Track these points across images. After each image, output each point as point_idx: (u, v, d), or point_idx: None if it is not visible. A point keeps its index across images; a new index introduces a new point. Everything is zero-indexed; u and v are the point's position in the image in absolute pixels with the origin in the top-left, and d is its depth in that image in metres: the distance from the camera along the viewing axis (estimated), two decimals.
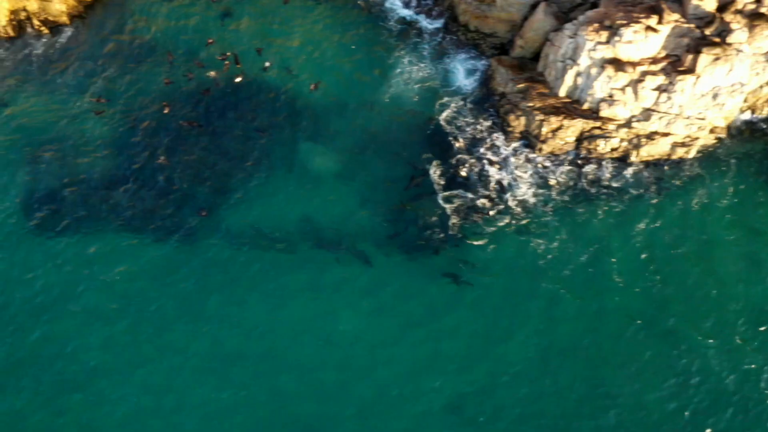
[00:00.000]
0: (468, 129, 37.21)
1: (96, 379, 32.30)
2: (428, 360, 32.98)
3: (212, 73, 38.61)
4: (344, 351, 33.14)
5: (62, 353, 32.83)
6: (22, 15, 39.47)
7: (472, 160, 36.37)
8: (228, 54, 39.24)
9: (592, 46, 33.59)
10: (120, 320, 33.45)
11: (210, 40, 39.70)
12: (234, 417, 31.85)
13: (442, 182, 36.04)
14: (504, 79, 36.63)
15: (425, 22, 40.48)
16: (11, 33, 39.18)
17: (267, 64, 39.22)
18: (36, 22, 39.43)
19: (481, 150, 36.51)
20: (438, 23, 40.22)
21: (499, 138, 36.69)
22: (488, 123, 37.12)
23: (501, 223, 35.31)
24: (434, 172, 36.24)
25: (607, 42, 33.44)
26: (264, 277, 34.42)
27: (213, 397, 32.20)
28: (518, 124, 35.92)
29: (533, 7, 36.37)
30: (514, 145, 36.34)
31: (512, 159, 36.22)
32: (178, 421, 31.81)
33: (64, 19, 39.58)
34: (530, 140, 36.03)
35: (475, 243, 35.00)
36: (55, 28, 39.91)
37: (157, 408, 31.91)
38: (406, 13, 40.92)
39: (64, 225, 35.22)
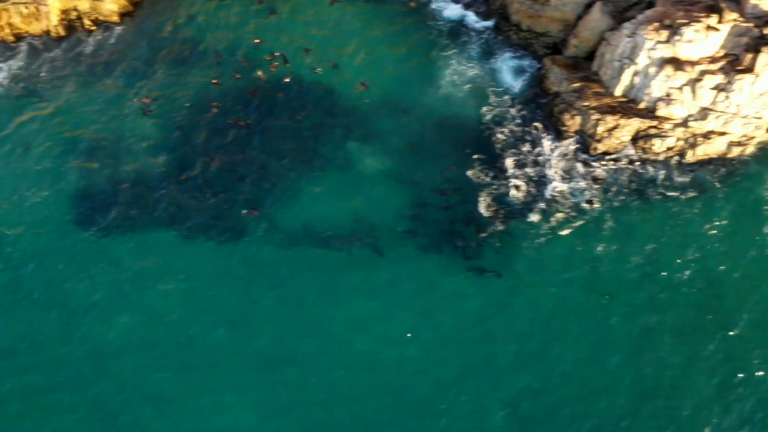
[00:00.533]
0: (517, 129, 37.11)
1: (150, 380, 32.27)
2: (482, 360, 32.89)
3: (260, 73, 38.60)
4: (398, 351, 33.04)
5: (113, 352, 32.76)
6: (73, 15, 39.51)
7: (523, 160, 36.32)
8: (276, 54, 39.23)
9: (652, 45, 33.54)
10: (172, 321, 33.39)
11: (257, 41, 39.72)
12: (289, 416, 31.80)
13: (492, 182, 35.98)
14: (558, 78, 36.58)
15: (473, 21, 40.48)
16: (62, 32, 39.19)
17: (331, 64, 39.13)
18: (87, 22, 39.47)
19: (532, 149, 36.49)
20: (487, 22, 40.21)
21: (550, 137, 36.66)
22: (538, 123, 37.00)
23: (553, 224, 35.19)
24: (484, 172, 36.26)
25: (667, 41, 33.39)
26: (316, 277, 34.32)
27: (269, 397, 32.14)
28: (573, 123, 35.84)
29: (588, 6, 36.37)
30: (567, 144, 36.32)
31: (564, 158, 36.20)
32: (234, 423, 31.73)
33: (115, 18, 39.66)
34: (584, 140, 35.95)
35: (528, 244, 34.91)
36: (104, 26, 39.95)
37: (214, 407, 31.86)
38: (455, 12, 40.89)
39: (115, 225, 35.20)
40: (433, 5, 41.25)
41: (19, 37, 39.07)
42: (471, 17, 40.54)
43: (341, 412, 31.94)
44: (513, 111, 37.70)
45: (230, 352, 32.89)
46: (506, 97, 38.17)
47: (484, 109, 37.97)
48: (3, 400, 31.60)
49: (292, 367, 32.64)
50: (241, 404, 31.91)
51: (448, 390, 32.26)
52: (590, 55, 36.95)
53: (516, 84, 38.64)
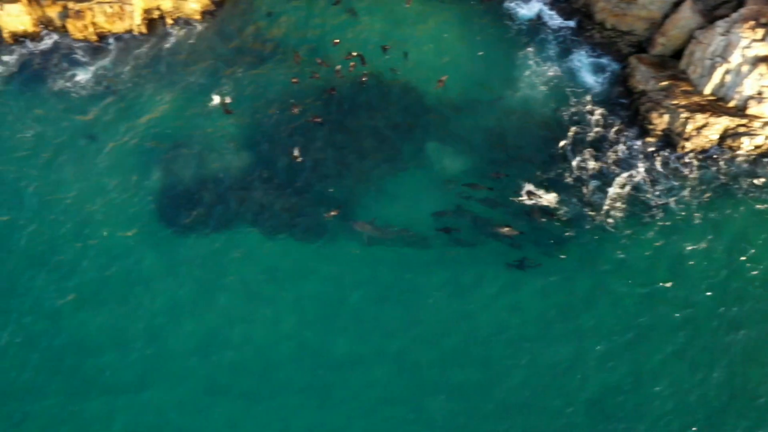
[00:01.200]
0: (600, 128, 37.02)
1: (239, 381, 32.32)
2: (569, 357, 32.80)
3: (338, 73, 38.66)
4: (485, 349, 33.00)
5: (201, 351, 32.83)
6: (155, 13, 39.79)
7: (606, 159, 36.26)
8: (354, 54, 39.30)
9: (747, 43, 33.38)
10: (256, 320, 33.45)
11: (336, 41, 39.79)
12: (376, 415, 31.79)
13: (576, 182, 35.88)
14: (645, 77, 36.42)
15: (552, 20, 40.45)
16: (144, 31, 39.44)
17: (408, 62, 39.05)
18: (169, 21, 39.75)
19: (616, 148, 36.39)
20: (567, 21, 40.18)
21: (635, 136, 36.57)
22: (622, 121, 36.97)
23: (638, 222, 35.08)
24: (566, 171, 36.15)
25: (763, 39, 33.21)
26: (400, 276, 34.32)
27: (356, 396, 32.16)
28: (660, 122, 35.67)
29: (676, 5, 36.23)
30: (652, 142, 36.16)
31: (650, 157, 36.06)
32: (322, 421, 31.80)
33: (197, 16, 39.87)
34: (672, 138, 35.79)
35: (613, 242, 34.77)
36: (186, 25, 40.15)
37: (301, 406, 31.89)
38: (533, 10, 40.89)
39: (198, 224, 35.31)
40: (511, 3, 41.28)
41: (101, 36, 39.32)
42: (550, 15, 40.50)
43: (427, 410, 31.91)
44: (594, 110, 37.59)
45: (313, 351, 32.94)
46: (587, 96, 38.10)
47: (564, 107, 37.96)
48: (89, 399, 31.79)
49: (377, 367, 32.63)
50: (328, 402, 31.94)
51: (534, 387, 32.19)
52: (676, 54, 36.85)
53: (596, 83, 38.56)
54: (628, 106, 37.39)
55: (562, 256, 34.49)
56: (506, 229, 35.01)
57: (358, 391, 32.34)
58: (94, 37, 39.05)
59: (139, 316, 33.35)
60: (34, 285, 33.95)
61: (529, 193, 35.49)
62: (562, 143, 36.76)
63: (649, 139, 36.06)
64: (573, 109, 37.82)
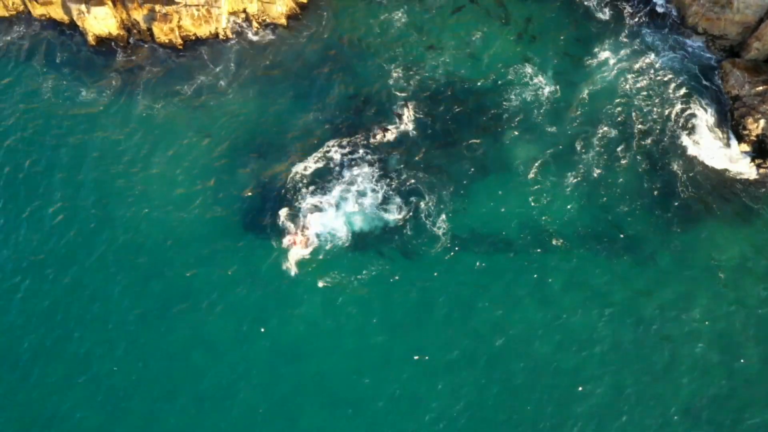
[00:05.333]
0: (692, 131, 36.77)
1: (328, 385, 32.50)
2: (664, 364, 32.59)
3: (416, 78, 38.60)
4: (576, 355, 32.84)
5: (284, 357, 33.03)
6: (241, 17, 39.78)
7: (695, 162, 35.97)
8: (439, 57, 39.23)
9: None
10: (343, 328, 33.49)
11: (429, 46, 39.61)
12: (463, 419, 31.76)
13: (666, 186, 35.63)
14: (739, 81, 36.07)
15: (640, 21, 40.09)
16: (229, 35, 39.46)
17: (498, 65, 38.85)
18: (255, 24, 39.70)
19: (706, 151, 36.11)
20: (657, 23, 39.80)
21: (728, 140, 36.26)
22: (715, 126, 36.64)
23: (732, 225, 34.80)
24: (656, 174, 35.88)
25: None
26: (488, 282, 34.19)
27: (446, 403, 32.09)
28: (755, 127, 35.33)
29: None
30: (745, 146, 35.87)
31: (740, 160, 35.80)
32: (412, 427, 31.86)
33: (282, 20, 39.81)
34: (767, 144, 35.51)
35: (702, 247, 34.45)
36: (271, 29, 40.04)
37: (390, 411, 31.98)
38: (624, 9, 40.37)
39: (277, 231, 35.34)
40: (598, 3, 40.87)
41: (185, 40, 39.40)
42: (636, 18, 40.12)
43: (517, 414, 31.87)
44: (685, 112, 37.28)
45: (400, 356, 32.91)
46: (676, 97, 37.72)
47: (653, 109, 37.58)
48: (182, 409, 32.07)
49: (465, 372, 32.57)
50: (421, 407, 31.93)
51: (626, 395, 32.05)
52: None
53: (687, 85, 38.07)
54: (721, 111, 37.18)
55: (652, 263, 34.19)
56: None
57: (448, 398, 32.28)
58: (179, 40, 39.08)
59: (223, 324, 33.52)
60: (121, 291, 34.24)
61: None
62: (652, 144, 36.51)
63: (744, 143, 35.75)
64: (663, 109, 37.39)
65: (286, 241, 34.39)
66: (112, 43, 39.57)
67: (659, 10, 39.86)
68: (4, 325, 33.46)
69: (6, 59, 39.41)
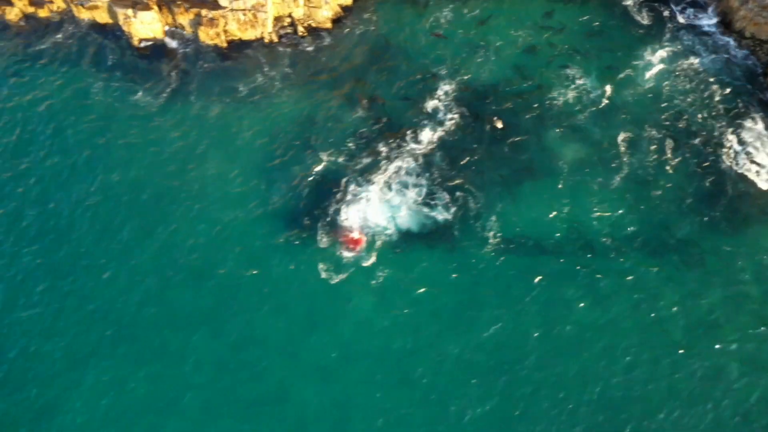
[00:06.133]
0: (736, 133, 36.79)
1: (376, 390, 32.54)
2: (715, 365, 32.47)
3: (458, 82, 38.84)
4: (626, 358, 32.75)
5: (333, 362, 32.98)
6: (286, 21, 39.99)
7: (745, 162, 36.04)
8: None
9: None
10: (394, 328, 33.55)
11: (474, 46, 39.85)
12: (513, 419, 31.82)
13: (712, 187, 35.70)
14: None
15: (681, 25, 40.25)
16: (275, 39, 39.68)
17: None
18: (300, 29, 39.96)
19: (755, 152, 36.18)
20: (703, 25, 39.93)
21: None
22: (761, 128, 36.66)
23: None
24: (710, 177, 35.96)
25: None
26: (538, 284, 34.21)
27: (495, 401, 32.13)
28: None
29: None
30: None
31: None
32: (462, 427, 31.85)
33: (328, 24, 40.08)
34: None
35: (746, 248, 34.45)
36: (316, 33, 40.33)
37: (442, 417, 32.08)
38: (666, 12, 40.51)
39: (325, 230, 35.55)
40: (645, 4, 40.92)
41: (230, 43, 39.62)
42: (684, 18, 40.18)
43: (569, 415, 31.91)
44: (730, 113, 37.31)
45: (453, 360, 32.91)
46: (722, 100, 37.77)
47: (698, 111, 37.61)
48: (234, 410, 32.09)
49: (515, 372, 32.54)
50: (470, 406, 31.94)
51: (678, 397, 32.05)
52: None
53: (732, 87, 38.10)
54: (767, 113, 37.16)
55: (698, 267, 34.16)
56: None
57: (498, 397, 32.28)
58: (224, 44, 39.37)
59: (277, 327, 33.65)
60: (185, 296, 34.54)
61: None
62: (694, 143, 36.62)
63: None
64: (711, 112, 37.44)
65: (337, 238, 34.64)
66: (158, 46, 39.87)
67: (702, 15, 39.87)
68: (58, 325, 33.64)
69: (54, 61, 39.76)
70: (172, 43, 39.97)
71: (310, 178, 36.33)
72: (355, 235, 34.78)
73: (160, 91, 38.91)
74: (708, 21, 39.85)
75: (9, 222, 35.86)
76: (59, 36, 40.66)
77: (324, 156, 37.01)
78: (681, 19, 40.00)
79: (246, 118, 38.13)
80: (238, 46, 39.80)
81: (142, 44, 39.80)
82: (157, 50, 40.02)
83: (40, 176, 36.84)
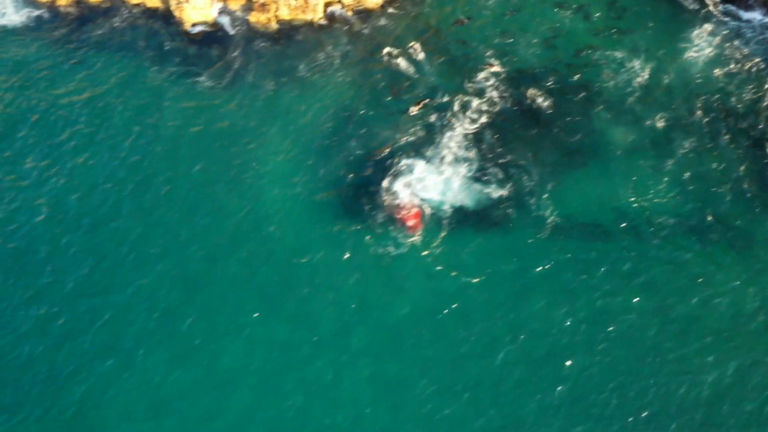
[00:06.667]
0: None
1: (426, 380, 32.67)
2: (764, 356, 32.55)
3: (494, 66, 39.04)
4: (679, 343, 32.61)
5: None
6: (337, 5, 40.35)
7: None
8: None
9: None
10: (448, 316, 33.50)
11: (524, 27, 39.71)
12: (565, 405, 31.79)
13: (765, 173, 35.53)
14: None
15: (729, 9, 40.02)
16: (324, 23, 39.98)
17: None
18: (349, 13, 40.30)
19: None
20: (752, 11, 39.71)
21: None
22: None
23: None
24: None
25: None
26: (589, 268, 34.10)
27: (546, 386, 32.22)
28: None
29: None
30: None
31: None
32: (516, 412, 31.92)
33: (377, 8, 40.32)
34: None
35: None
36: (364, 16, 40.54)
37: (498, 395, 32.09)
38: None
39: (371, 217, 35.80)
40: None
41: (281, 27, 39.87)
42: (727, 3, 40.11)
43: (622, 401, 31.87)
44: None
45: (503, 341, 32.88)
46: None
47: (749, 96, 37.27)
48: (287, 398, 32.14)
49: (566, 358, 32.51)
50: (525, 392, 31.94)
51: (729, 384, 31.79)
52: None
53: None
54: None
55: (755, 251, 33.98)
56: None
57: (549, 383, 32.27)
58: (275, 28, 39.73)
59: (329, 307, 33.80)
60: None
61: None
62: (742, 130, 36.46)
63: None
64: (757, 96, 37.10)
65: (392, 215, 34.79)
66: (210, 32, 40.27)
67: None
68: (104, 312, 33.99)
69: (107, 47, 40.28)
70: (224, 28, 40.33)
71: (367, 157, 36.62)
72: (411, 211, 34.91)
73: (217, 74, 39.29)
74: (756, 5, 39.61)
75: (85, 205, 36.39)
76: (111, 22, 41.08)
77: (378, 134, 37.31)
78: (727, 2, 39.80)
79: (303, 97, 38.48)
80: (289, 30, 40.10)
81: (194, 29, 40.26)
82: (209, 35, 40.40)
83: (108, 161, 37.50)
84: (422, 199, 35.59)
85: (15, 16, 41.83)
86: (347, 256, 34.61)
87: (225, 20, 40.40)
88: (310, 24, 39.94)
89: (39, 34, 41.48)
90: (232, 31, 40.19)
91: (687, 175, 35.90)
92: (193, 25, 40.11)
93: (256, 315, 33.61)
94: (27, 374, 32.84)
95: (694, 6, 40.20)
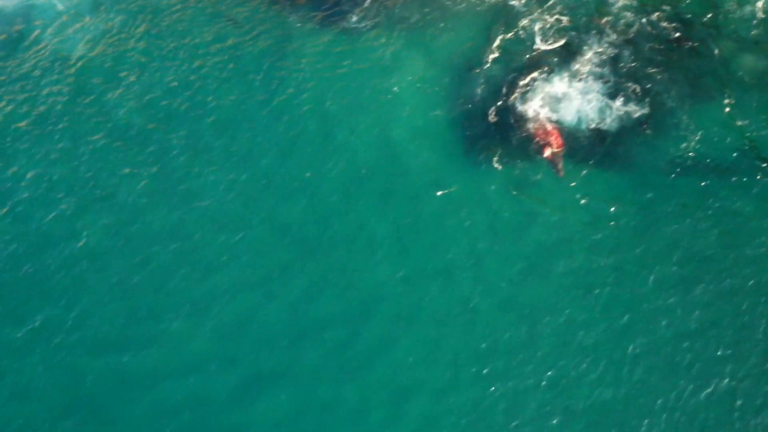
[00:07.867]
0: None
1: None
2: None
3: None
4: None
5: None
6: None
7: None
8: None
9: None
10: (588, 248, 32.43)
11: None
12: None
13: None
14: None
15: None
16: None
17: None
18: None
19: None
20: None
21: None
22: None
23: None
24: None
25: None
26: (712, 206, 32.10)
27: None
28: None
29: None
30: None
31: None
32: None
33: None
34: None
35: None
36: None
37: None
38: None
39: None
40: None
41: None
42: None
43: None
44: None
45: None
46: None
47: None
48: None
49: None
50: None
51: None
52: None
53: None
54: None
55: None
56: None
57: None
58: None
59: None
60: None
61: None
62: None
63: None
64: None
65: (529, 133, 34.16)
66: None
67: None
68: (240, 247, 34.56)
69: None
70: None
71: (505, 83, 36.15)
72: (548, 127, 34.03)
73: (366, 14, 39.58)
74: None
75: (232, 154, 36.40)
76: None
77: (516, 60, 36.76)
78: None
79: (446, 29, 38.46)
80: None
81: None
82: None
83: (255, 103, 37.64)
84: (559, 121, 34.31)
85: None
86: (478, 183, 33.96)
87: None
88: None
89: None
90: None
91: None
92: None
93: (385, 248, 33.20)
94: None
95: None
